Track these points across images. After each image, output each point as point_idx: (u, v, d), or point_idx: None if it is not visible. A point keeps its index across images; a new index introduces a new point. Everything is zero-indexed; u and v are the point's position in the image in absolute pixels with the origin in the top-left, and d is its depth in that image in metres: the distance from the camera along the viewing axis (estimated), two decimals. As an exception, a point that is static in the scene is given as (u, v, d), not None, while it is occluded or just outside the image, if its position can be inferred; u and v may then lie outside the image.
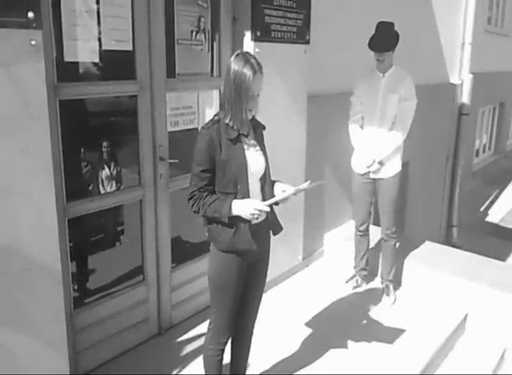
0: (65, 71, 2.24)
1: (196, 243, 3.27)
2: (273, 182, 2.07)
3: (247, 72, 1.83)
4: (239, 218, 1.89)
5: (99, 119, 2.68)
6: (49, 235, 2.13)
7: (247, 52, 1.93)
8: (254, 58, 1.88)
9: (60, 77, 2.19)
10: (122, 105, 2.72)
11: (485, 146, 10.02)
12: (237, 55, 1.89)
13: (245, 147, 1.96)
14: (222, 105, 1.94)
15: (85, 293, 2.66)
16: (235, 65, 1.85)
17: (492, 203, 8.68)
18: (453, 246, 5.33)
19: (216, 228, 1.96)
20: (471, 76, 6.11)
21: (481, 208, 8.42)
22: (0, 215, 1.94)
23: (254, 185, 1.99)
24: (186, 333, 2.95)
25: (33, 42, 1.90)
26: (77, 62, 2.33)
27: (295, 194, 1.94)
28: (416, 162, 5.36)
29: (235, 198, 1.91)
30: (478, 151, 9.46)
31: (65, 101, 2.23)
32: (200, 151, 1.90)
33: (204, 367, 2.20)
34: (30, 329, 2.12)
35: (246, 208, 1.86)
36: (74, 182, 2.45)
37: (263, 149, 2.05)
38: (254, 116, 2.01)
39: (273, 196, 2.01)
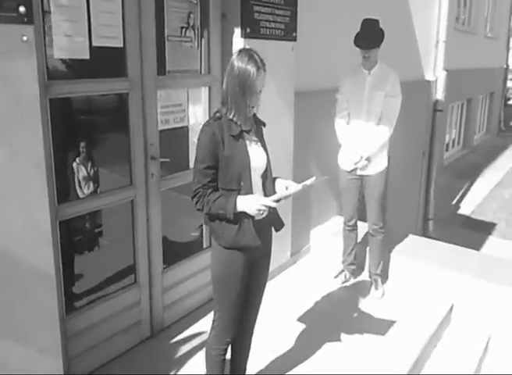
0: (55, 68, 2.15)
1: (186, 243, 3.23)
2: (274, 178, 2.07)
3: (251, 68, 1.82)
4: (242, 214, 1.88)
5: (89, 117, 2.59)
6: (42, 238, 2.06)
7: (250, 49, 1.92)
8: (257, 55, 1.87)
9: (50, 75, 2.11)
10: (112, 103, 2.63)
11: (454, 141, 10.34)
12: (240, 51, 1.88)
13: (247, 143, 1.95)
14: (224, 101, 1.92)
15: (77, 298, 2.58)
16: (238, 61, 1.84)
17: (462, 196, 8.96)
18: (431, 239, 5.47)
19: (219, 225, 1.93)
20: (445, 72, 6.28)
21: (453, 202, 8.68)
22: (-9, 218, 1.86)
23: (257, 181, 1.98)
24: (178, 334, 2.91)
25: (24, 38, 1.82)
26: (67, 59, 2.24)
27: (302, 190, 1.93)
28: (395, 158, 5.45)
29: (238, 194, 1.89)
30: (447, 145, 9.76)
31: (55, 100, 2.15)
32: (203, 147, 1.87)
33: (207, 367, 2.16)
34: (23, 336, 2.05)
35: (252, 204, 1.85)
36: (65, 183, 2.36)
37: (264, 145, 2.05)
38: (254, 113, 2.00)
39: (274, 192, 2.00)
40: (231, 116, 1.90)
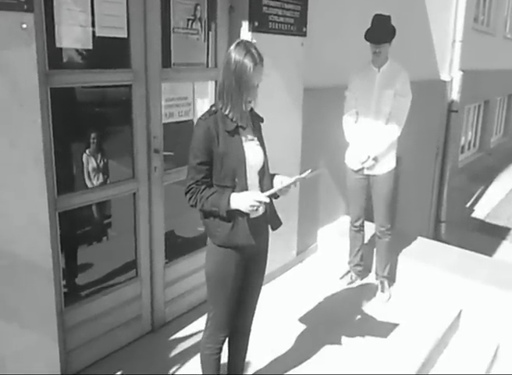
0: (57, 58, 2.13)
1: (190, 238, 3.20)
2: (272, 175, 2.02)
3: (248, 63, 1.77)
4: (237, 212, 1.83)
5: (91, 108, 2.56)
6: (40, 230, 2.05)
7: (248, 42, 1.86)
8: (255, 49, 1.82)
9: (51, 64, 2.09)
10: (115, 95, 2.60)
11: (470, 143, 10.14)
12: (238, 43, 1.82)
13: (243, 139, 1.90)
14: (220, 96, 1.87)
15: (77, 290, 2.56)
16: (236, 54, 1.78)
17: (477, 199, 8.78)
18: (442, 242, 5.35)
19: (213, 222, 1.89)
20: (461, 73, 6.14)
21: (467, 205, 8.51)
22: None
23: (253, 179, 1.93)
24: (179, 330, 2.88)
25: (24, 25, 1.80)
26: (70, 49, 2.21)
27: (295, 184, 1.88)
28: (407, 158, 5.36)
29: (233, 191, 1.85)
30: (463, 147, 9.56)
31: (56, 90, 2.12)
32: (197, 142, 1.83)
33: (202, 367, 2.13)
34: (20, 328, 2.03)
35: (245, 200, 1.79)
36: (65, 175, 2.34)
37: (261, 142, 2.00)
38: (252, 109, 1.96)
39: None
40: (226, 112, 1.85)
